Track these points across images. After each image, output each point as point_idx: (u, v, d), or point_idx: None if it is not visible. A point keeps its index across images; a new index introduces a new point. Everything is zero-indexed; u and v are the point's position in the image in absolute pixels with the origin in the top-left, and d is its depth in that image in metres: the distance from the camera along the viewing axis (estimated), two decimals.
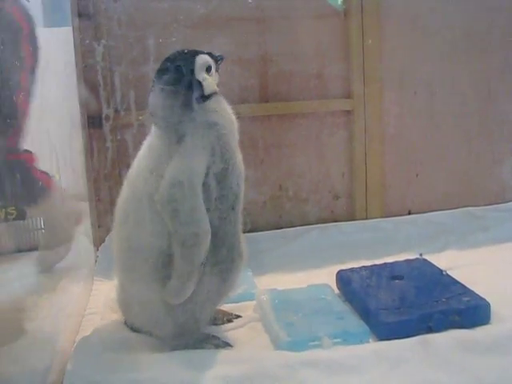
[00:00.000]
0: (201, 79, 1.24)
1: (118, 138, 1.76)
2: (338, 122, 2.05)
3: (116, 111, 1.75)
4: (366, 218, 2.09)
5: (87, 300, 1.61)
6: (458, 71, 2.10)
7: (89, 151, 1.81)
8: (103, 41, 1.74)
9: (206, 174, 1.23)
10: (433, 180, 2.14)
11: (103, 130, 1.76)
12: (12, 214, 2.68)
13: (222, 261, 1.28)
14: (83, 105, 1.78)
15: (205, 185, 1.22)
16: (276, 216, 2.06)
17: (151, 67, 1.61)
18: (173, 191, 1.18)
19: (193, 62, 1.23)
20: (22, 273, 2.05)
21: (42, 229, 2.69)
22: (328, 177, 2.08)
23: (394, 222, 2.07)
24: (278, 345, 1.31)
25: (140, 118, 1.51)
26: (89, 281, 1.75)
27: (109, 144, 1.77)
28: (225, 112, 1.29)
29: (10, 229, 2.55)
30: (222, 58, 1.32)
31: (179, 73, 1.22)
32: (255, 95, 1.98)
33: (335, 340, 1.30)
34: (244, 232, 1.92)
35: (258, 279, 1.71)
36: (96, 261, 1.86)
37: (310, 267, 1.81)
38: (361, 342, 1.31)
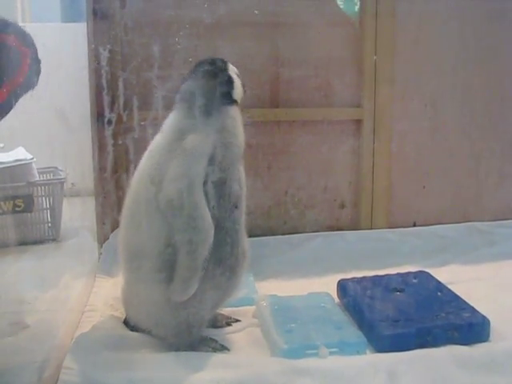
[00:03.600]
0: (233, 77, 1.33)
1: (125, 136, 1.76)
2: (347, 130, 2.05)
3: (123, 111, 1.76)
4: (371, 228, 2.09)
5: (88, 296, 1.61)
6: (470, 86, 2.10)
7: (96, 149, 1.82)
8: (111, 42, 1.76)
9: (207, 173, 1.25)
10: (439, 193, 2.14)
11: (110, 128, 1.77)
12: (19, 206, 2.70)
13: (226, 259, 1.29)
14: (93, 102, 1.79)
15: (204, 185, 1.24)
16: (280, 222, 2.06)
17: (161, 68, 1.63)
18: (173, 192, 1.20)
19: (227, 63, 1.35)
20: (25, 266, 2.07)
21: (48, 222, 2.72)
22: (334, 185, 2.08)
23: (398, 234, 2.06)
24: (274, 351, 1.31)
25: (142, 123, 1.52)
26: (91, 277, 1.76)
27: (115, 142, 1.77)
28: (238, 122, 1.33)
29: (16, 221, 2.58)
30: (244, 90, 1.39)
31: (218, 64, 1.34)
32: (265, 100, 1.98)
33: (332, 349, 1.29)
34: (248, 236, 1.94)
35: (260, 284, 1.71)
36: (99, 258, 1.87)
37: (312, 275, 1.81)
38: (358, 352, 1.31)
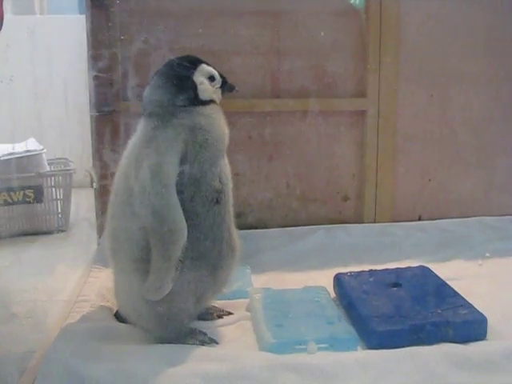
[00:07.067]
0: (198, 82, 1.29)
1: (124, 126, 1.75)
2: (351, 121, 2.00)
3: (122, 100, 1.76)
4: (375, 222, 2.04)
5: (82, 287, 1.61)
6: (477, 77, 2.02)
7: (94, 139, 1.81)
8: (112, 29, 1.74)
9: (181, 170, 1.23)
10: (446, 186, 2.07)
11: (109, 118, 1.77)
12: (30, 197, 2.73)
13: (207, 253, 1.27)
14: (92, 92, 1.79)
15: (179, 181, 1.22)
16: (282, 214, 2.02)
17: (160, 58, 1.61)
18: (144, 189, 1.19)
19: (195, 66, 1.31)
20: (31, 256, 2.09)
21: (58, 213, 2.75)
22: (338, 177, 2.04)
23: (402, 228, 2.01)
24: (262, 346, 1.29)
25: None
26: (88, 268, 1.76)
27: (114, 132, 1.77)
28: (217, 119, 1.31)
29: (27, 211, 2.61)
30: (232, 88, 1.38)
31: (179, 70, 1.29)
32: (267, 90, 1.95)
33: (321, 345, 1.27)
34: (248, 228, 1.92)
35: (257, 277, 1.69)
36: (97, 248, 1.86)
37: (312, 268, 1.78)
38: (348, 349, 1.28)
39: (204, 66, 1.33)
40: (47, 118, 2.67)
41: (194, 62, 1.32)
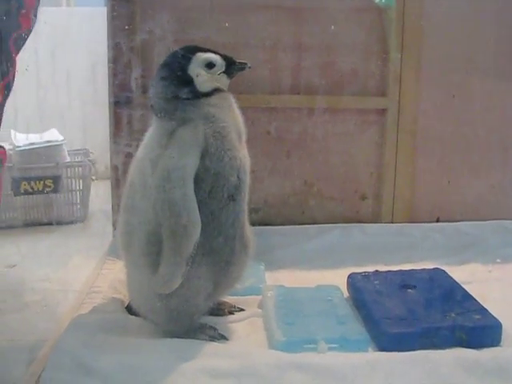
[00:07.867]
0: (194, 75, 1.26)
1: (142, 118, 1.75)
2: (370, 120, 1.97)
3: (140, 94, 1.76)
4: (392, 222, 2.02)
5: (95, 278, 1.62)
6: (500, 77, 1.98)
7: (112, 132, 1.82)
8: (130, 24, 1.75)
9: (200, 164, 1.21)
10: (465, 188, 2.03)
11: (128, 111, 1.77)
12: (49, 187, 2.76)
13: (219, 250, 1.26)
14: (111, 85, 1.79)
15: (196, 175, 1.21)
16: (299, 211, 2.01)
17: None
18: (162, 182, 1.18)
19: (190, 57, 1.26)
20: (41, 246, 2.11)
21: (77, 203, 2.78)
22: (355, 176, 2.01)
23: (420, 229, 1.98)
24: (272, 344, 1.28)
25: None
26: (103, 259, 1.77)
27: (132, 123, 1.77)
28: (227, 107, 1.29)
29: (47, 201, 2.64)
30: (243, 67, 1.32)
31: (175, 64, 1.26)
32: (286, 86, 1.93)
33: (332, 345, 1.25)
34: (264, 225, 1.91)
35: (271, 274, 1.68)
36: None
37: (326, 267, 1.77)
38: (359, 350, 1.26)
39: (199, 54, 1.27)
40: (70, 109, 2.69)
41: (188, 53, 1.26)
